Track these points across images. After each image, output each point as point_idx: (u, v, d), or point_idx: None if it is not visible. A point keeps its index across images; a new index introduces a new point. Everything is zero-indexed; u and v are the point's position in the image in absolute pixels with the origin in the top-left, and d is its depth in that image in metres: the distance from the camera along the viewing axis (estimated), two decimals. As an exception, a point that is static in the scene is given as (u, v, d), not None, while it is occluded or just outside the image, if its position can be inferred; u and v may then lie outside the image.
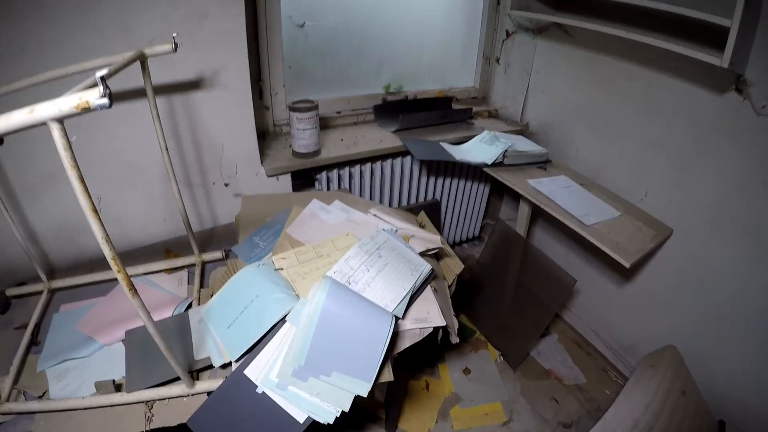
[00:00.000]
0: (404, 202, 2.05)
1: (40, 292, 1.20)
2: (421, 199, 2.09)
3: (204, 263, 1.34)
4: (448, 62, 2.18)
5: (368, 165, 1.82)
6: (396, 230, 1.23)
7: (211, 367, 0.99)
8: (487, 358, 1.90)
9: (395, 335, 0.97)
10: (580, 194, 1.65)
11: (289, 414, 0.89)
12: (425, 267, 1.06)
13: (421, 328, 1.00)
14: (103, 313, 1.15)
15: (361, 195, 1.89)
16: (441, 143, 1.80)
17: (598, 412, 1.65)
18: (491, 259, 2.02)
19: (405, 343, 0.98)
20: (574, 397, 1.74)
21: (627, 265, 1.32)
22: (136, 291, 0.75)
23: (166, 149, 1.12)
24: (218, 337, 1.00)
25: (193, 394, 0.94)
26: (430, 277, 1.10)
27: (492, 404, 1.69)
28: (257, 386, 0.90)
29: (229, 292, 1.05)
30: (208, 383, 0.95)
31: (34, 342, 1.08)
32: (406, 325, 0.99)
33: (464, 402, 1.69)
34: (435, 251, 1.25)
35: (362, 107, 1.97)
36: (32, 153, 1.20)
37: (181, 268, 1.33)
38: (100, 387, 0.93)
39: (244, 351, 0.95)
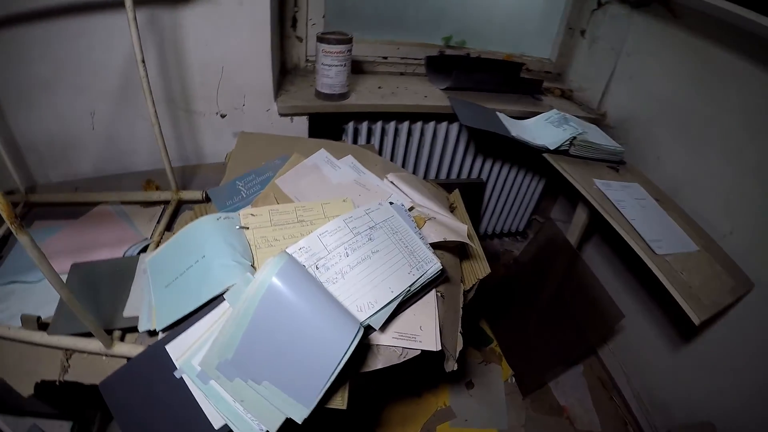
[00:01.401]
0: (442, 177, 1.77)
1: (16, 204, 1.11)
2: (464, 176, 1.79)
3: (180, 202, 1.16)
4: (524, 25, 1.82)
5: (405, 124, 1.55)
6: (410, 207, 0.96)
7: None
8: (496, 374, 1.63)
9: (363, 351, 0.73)
10: (654, 212, 1.29)
11: (204, 413, 0.69)
12: (432, 265, 0.80)
13: (404, 348, 0.75)
14: (67, 239, 1.04)
15: (392, 159, 1.63)
16: (497, 113, 1.50)
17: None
18: (531, 263, 1.72)
19: (377, 364, 0.74)
20: (584, 446, 1.46)
21: (697, 321, 1.00)
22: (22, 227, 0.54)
23: (143, 61, 0.93)
24: (153, 296, 0.81)
25: (111, 356, 0.80)
26: (438, 280, 0.84)
27: (487, 431, 1.44)
28: (176, 369, 0.71)
29: (177, 244, 0.85)
30: (129, 347, 0.79)
31: (-4, 255, 0.99)
32: (385, 340, 0.75)
33: (456, 420, 1.45)
34: (455, 245, 0.98)
35: (413, 56, 1.66)
36: (26, 57, 1.07)
37: (158, 203, 1.16)
38: (25, 321, 0.82)
39: (172, 322, 0.75)
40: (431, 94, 1.54)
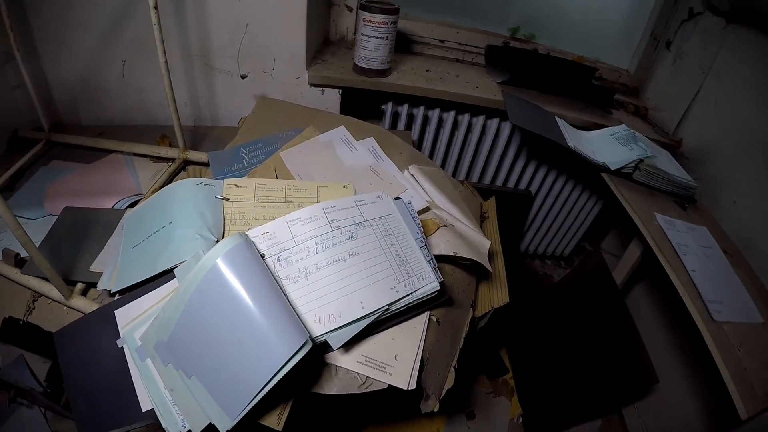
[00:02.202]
0: (485, 182, 1.59)
1: (38, 141, 1.14)
2: (511, 185, 1.61)
3: (186, 162, 1.10)
4: (603, 28, 1.59)
5: (451, 114, 1.39)
6: (425, 209, 0.82)
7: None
8: (503, 410, 1.46)
9: (317, 368, 0.61)
10: (719, 266, 1.06)
11: (135, 391, 0.63)
12: (426, 284, 0.66)
13: (368, 378, 0.62)
14: (73, 182, 1.04)
15: (432, 153, 1.49)
16: (557, 119, 1.32)
17: None
18: (569, 294, 1.51)
19: (330, 388, 0.61)
20: None
21: (743, 414, 0.78)
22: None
23: (155, 6, 0.87)
24: (120, 255, 0.75)
25: (70, 307, 0.77)
26: (434, 301, 0.70)
27: (480, 472, 1.28)
28: (120, 337, 0.66)
29: (152, 205, 0.79)
30: (85, 303, 0.76)
31: (10, 187, 1.03)
32: (346, 362, 0.62)
33: (447, 452, 1.30)
34: (473, 262, 0.82)
35: (473, 44, 1.50)
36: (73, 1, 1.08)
37: (165, 159, 1.11)
38: (6, 255, 0.82)
39: (127, 285, 0.69)
40: (485, 86, 1.37)
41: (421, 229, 0.72)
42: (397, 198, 0.73)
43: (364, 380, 0.61)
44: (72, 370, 0.67)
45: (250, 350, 0.54)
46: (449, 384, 0.72)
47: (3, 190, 1.01)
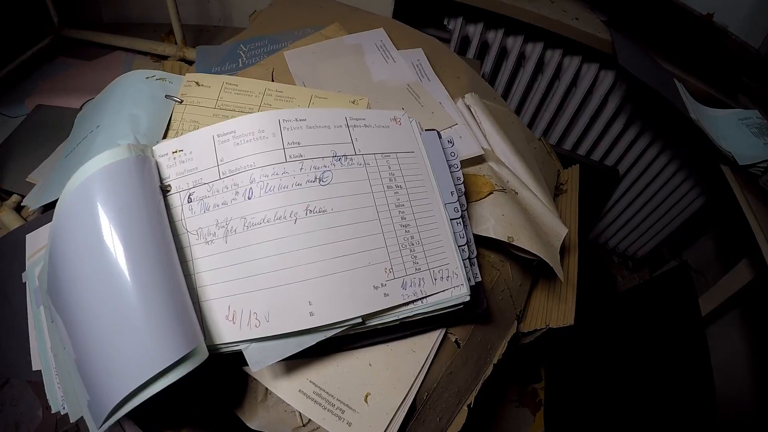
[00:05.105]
0: (565, 146, 1.28)
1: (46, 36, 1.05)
2: (596, 157, 1.29)
3: (183, 60, 0.91)
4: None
5: (538, 47, 1.06)
6: (477, 157, 0.53)
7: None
8: (524, 424, 1.21)
9: (239, 382, 0.36)
10: None
11: (27, 340, 0.48)
12: (450, 287, 0.37)
13: (310, 420, 0.36)
14: (67, 79, 0.97)
15: (506, 96, 1.18)
16: (676, 81, 1.00)
17: None
18: (636, 309, 1.25)
19: (252, 420, 0.37)
20: None
21: None
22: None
23: None
24: (56, 164, 0.60)
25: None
26: (457, 315, 0.41)
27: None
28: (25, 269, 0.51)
29: (95, 104, 0.60)
30: (11, 218, 0.63)
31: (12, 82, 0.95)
32: (283, 387, 0.37)
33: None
34: (530, 256, 0.52)
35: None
36: None
37: (161, 57, 0.99)
38: None
39: (44, 203, 0.55)
40: (586, 21, 1.02)
41: (462, 187, 0.43)
42: (429, 130, 0.43)
43: (303, 422, 0.35)
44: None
45: (121, 334, 0.30)
46: (457, 427, 0.46)
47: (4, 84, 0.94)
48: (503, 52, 1.09)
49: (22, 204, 0.62)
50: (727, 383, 0.98)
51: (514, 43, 1.06)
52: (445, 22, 1.04)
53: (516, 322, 0.58)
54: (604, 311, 1.35)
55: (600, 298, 1.52)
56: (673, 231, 1.46)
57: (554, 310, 0.60)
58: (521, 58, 1.09)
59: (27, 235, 0.53)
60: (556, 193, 0.76)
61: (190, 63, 0.87)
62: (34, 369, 0.47)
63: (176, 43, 0.93)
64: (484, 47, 1.09)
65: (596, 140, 1.23)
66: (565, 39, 1.02)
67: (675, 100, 0.92)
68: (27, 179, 0.66)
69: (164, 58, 0.95)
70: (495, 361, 0.54)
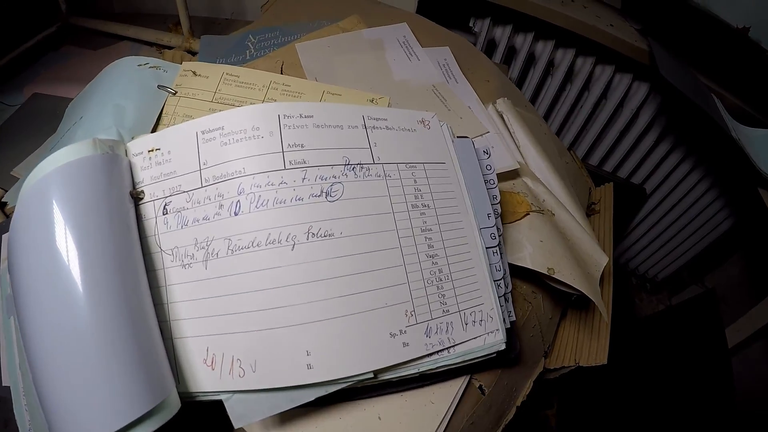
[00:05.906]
0: (592, 162, 1.21)
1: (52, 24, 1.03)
2: (622, 173, 1.22)
3: (189, 52, 0.88)
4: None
5: (569, 53, 1.00)
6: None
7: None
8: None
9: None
10: None
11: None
12: (484, 334, 0.31)
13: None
14: (70, 69, 0.95)
15: (532, 102, 1.11)
16: (714, 97, 0.94)
17: None
18: (656, 337, 1.18)
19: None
20: None
21: None
22: None
23: None
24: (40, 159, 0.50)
25: None
26: (487, 363, 0.34)
27: None
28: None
29: (84, 93, 0.54)
30: None
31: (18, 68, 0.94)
32: None
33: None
34: (575, 295, 0.45)
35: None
36: None
37: (167, 48, 0.95)
38: None
39: None
40: (621, 28, 0.96)
41: (498, 208, 0.36)
42: (461, 137, 0.36)
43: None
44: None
45: (74, 377, 0.24)
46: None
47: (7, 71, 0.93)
48: (531, 58, 1.02)
49: (3, 199, 0.56)
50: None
51: (544, 49, 0.99)
52: (471, 23, 0.97)
53: (543, 358, 0.51)
54: (624, 337, 1.28)
55: (619, 323, 1.45)
56: (696, 254, 1.39)
57: (585, 347, 0.53)
58: (550, 65, 1.02)
59: (3, 235, 0.48)
60: (587, 212, 0.70)
61: (195, 54, 0.83)
62: (3, 384, 0.41)
63: (183, 34, 0.89)
64: (511, 52, 1.02)
65: (624, 156, 1.16)
66: (598, 46, 0.95)
67: (716, 116, 0.85)
68: (12, 173, 0.63)
69: (170, 49, 0.91)
70: (518, 403, 0.47)
